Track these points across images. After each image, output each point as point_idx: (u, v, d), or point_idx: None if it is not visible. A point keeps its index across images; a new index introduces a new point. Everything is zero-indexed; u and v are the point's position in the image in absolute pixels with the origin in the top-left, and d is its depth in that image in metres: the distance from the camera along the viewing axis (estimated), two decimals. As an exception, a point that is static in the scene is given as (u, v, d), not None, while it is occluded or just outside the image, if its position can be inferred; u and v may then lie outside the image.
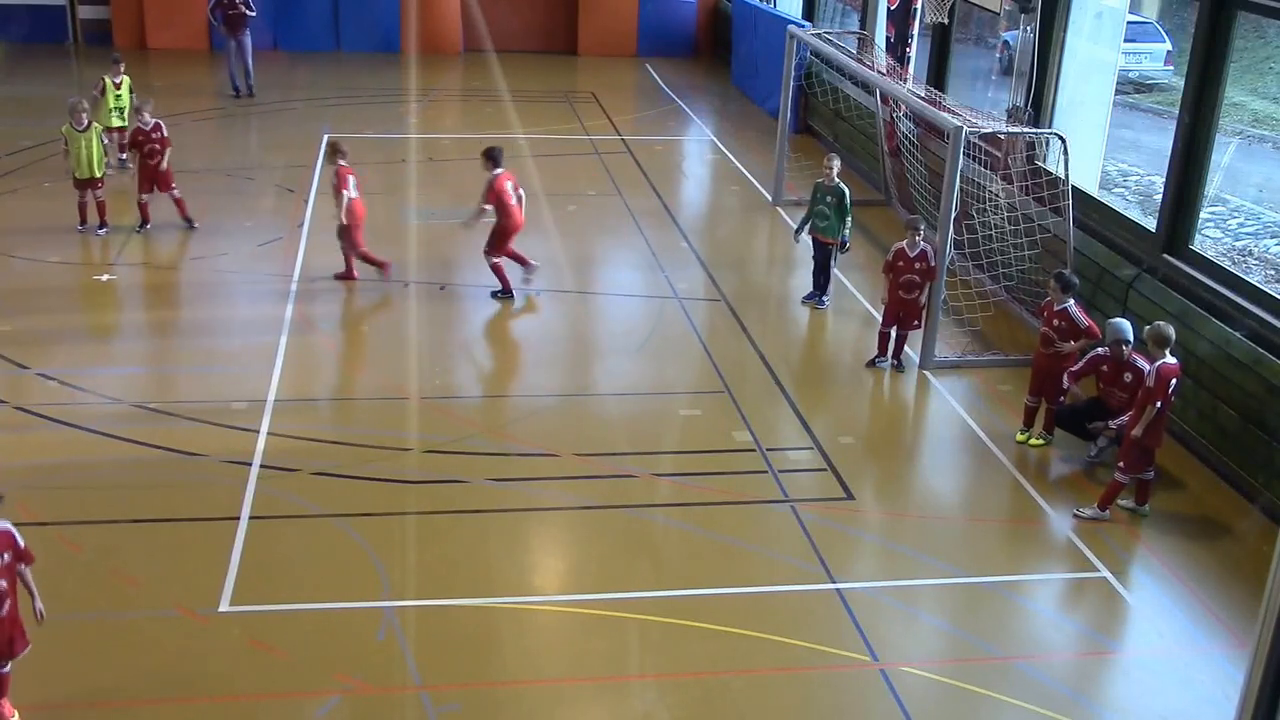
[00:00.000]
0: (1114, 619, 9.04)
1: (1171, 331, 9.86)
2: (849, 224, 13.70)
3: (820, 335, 13.72)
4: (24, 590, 7.21)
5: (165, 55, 25.23)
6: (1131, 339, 10.39)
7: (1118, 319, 10.64)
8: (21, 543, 7.13)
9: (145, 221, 15.37)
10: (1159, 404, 9.68)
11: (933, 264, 12.21)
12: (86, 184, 14.98)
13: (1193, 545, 9.79)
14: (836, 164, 13.78)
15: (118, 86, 17.13)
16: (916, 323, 12.50)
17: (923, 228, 12.45)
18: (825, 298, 13.95)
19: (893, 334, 12.53)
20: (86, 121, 14.82)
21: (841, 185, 13.63)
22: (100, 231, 15.15)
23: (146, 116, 15.06)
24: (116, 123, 17.18)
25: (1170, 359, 9.78)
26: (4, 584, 6.98)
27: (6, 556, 7.01)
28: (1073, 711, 7.87)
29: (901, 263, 12.27)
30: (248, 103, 22.00)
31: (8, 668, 7.20)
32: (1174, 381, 9.83)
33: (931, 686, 8.04)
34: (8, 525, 7.09)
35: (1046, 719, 7.78)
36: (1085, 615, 8.99)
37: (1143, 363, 10.19)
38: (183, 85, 22.99)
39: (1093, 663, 8.45)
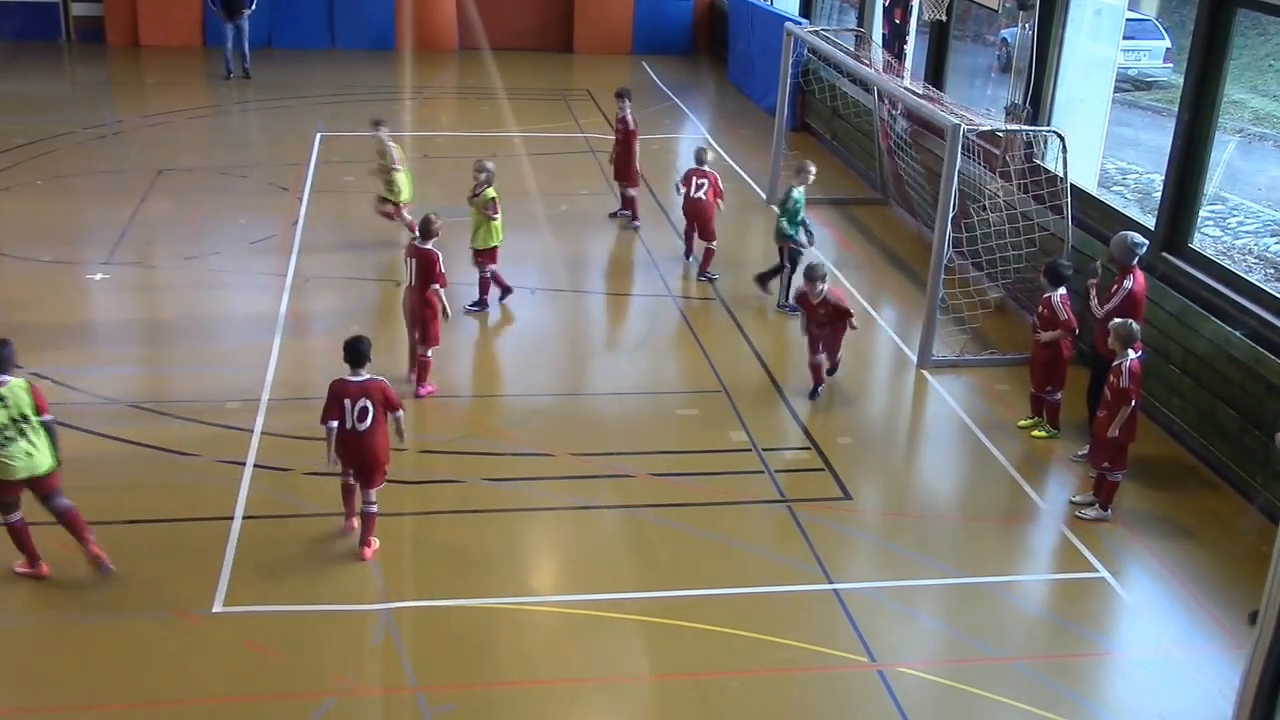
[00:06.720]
0: (1113, 619, 9.01)
1: (1137, 329, 9.89)
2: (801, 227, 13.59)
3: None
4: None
5: (158, 51, 25.15)
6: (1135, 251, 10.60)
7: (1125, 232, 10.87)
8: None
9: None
10: (1134, 402, 9.71)
11: (842, 306, 11.67)
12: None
13: (1193, 545, 9.75)
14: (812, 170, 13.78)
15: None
16: (840, 355, 11.99)
17: (822, 282, 11.58)
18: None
19: (824, 362, 11.96)
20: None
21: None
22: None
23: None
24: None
25: (1134, 354, 9.76)
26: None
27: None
28: (1071, 712, 7.83)
29: (806, 303, 11.78)
30: (241, 100, 21.95)
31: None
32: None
33: (929, 687, 8.00)
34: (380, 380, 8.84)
35: (1044, 719, 7.77)
36: (1084, 616, 8.94)
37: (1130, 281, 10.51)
38: (176, 82, 22.94)
39: (1091, 663, 8.41)
